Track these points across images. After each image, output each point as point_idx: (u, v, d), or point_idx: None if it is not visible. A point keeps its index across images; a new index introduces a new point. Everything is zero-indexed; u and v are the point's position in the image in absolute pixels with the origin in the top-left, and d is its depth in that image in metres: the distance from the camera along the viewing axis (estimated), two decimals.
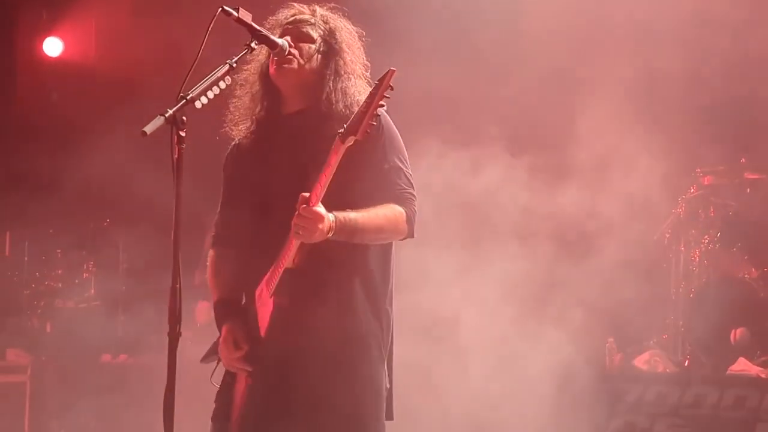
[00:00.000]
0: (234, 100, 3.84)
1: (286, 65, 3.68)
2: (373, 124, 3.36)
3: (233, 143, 3.92)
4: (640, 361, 7.40)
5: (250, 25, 3.51)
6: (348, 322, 3.65)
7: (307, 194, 3.41)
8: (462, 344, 7.09)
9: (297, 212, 3.41)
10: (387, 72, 3.37)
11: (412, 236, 3.71)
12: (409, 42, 7.79)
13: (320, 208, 3.42)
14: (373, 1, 6.90)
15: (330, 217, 3.44)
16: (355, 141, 3.35)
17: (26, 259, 8.96)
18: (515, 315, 7.66)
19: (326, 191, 3.42)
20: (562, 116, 8.04)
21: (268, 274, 3.66)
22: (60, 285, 8.70)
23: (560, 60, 8.16)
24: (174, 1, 8.94)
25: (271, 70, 3.72)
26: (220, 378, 3.86)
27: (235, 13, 3.45)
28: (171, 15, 8.79)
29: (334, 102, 3.66)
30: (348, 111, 3.60)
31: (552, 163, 7.85)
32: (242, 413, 3.71)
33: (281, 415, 3.63)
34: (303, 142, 3.62)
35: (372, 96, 3.35)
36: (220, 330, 3.79)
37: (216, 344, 3.85)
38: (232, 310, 3.80)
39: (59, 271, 8.89)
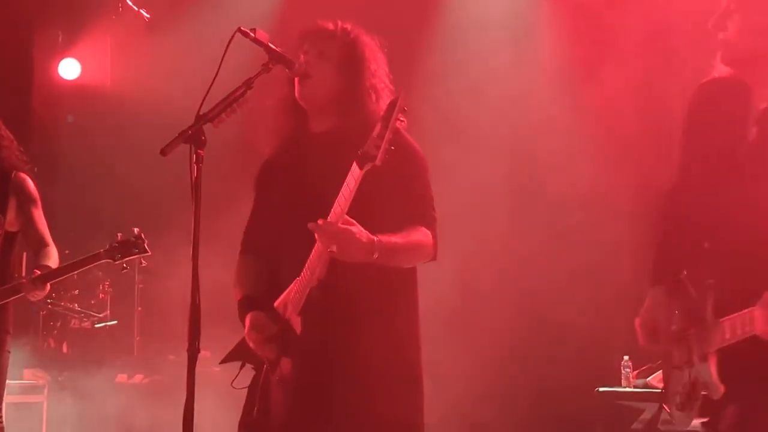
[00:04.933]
0: (265, 115, 3.86)
1: (307, 88, 3.70)
2: (391, 149, 3.31)
3: (266, 159, 3.93)
4: (656, 380, 7.36)
5: (267, 45, 3.52)
6: (383, 347, 3.62)
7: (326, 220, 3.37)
8: None
9: (329, 229, 3.36)
10: (397, 95, 3.39)
11: (435, 259, 3.72)
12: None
13: (352, 226, 3.39)
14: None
15: (374, 238, 3.43)
16: (373, 166, 3.32)
17: None
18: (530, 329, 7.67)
19: (354, 217, 3.40)
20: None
21: (292, 289, 3.64)
22: (76, 305, 8.71)
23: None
24: (190, 20, 8.98)
25: (296, 91, 3.75)
26: (242, 383, 3.83)
27: (251, 34, 3.48)
28: (187, 35, 8.84)
29: (359, 119, 3.63)
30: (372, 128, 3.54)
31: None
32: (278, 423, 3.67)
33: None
34: (331, 163, 3.56)
35: (386, 120, 3.32)
36: (243, 323, 3.77)
37: (238, 346, 3.84)
38: (257, 304, 3.77)
39: (75, 292, 8.90)
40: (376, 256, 3.43)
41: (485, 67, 8.33)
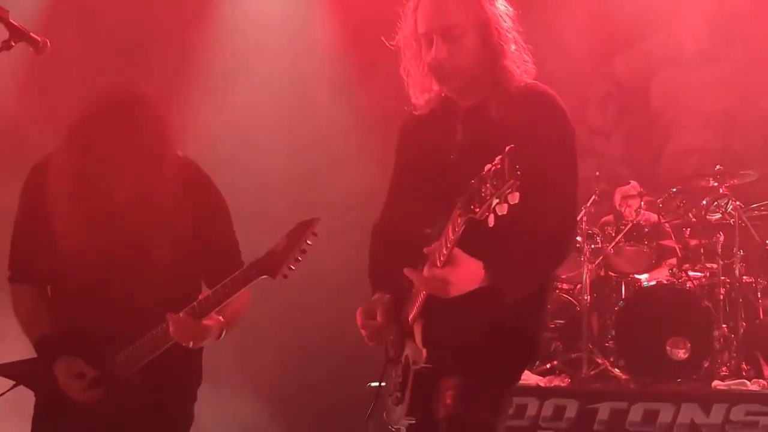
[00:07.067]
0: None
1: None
2: (291, 269, 3.44)
3: (48, 174, 3.70)
4: None
5: (8, 21, 3.29)
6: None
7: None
8: None
9: (186, 328, 3.50)
10: (311, 220, 3.46)
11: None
12: None
13: (209, 321, 3.55)
14: None
15: (222, 321, 3.63)
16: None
17: None
18: None
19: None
20: None
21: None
22: None
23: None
24: None
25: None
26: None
27: None
28: None
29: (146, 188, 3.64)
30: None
31: None
32: None
33: None
34: (140, 237, 3.60)
35: (295, 239, 3.41)
36: (48, 363, 3.63)
37: (19, 365, 3.72)
38: (63, 345, 3.66)
39: None
40: (223, 336, 3.66)
41: (266, 65, 8.31)
